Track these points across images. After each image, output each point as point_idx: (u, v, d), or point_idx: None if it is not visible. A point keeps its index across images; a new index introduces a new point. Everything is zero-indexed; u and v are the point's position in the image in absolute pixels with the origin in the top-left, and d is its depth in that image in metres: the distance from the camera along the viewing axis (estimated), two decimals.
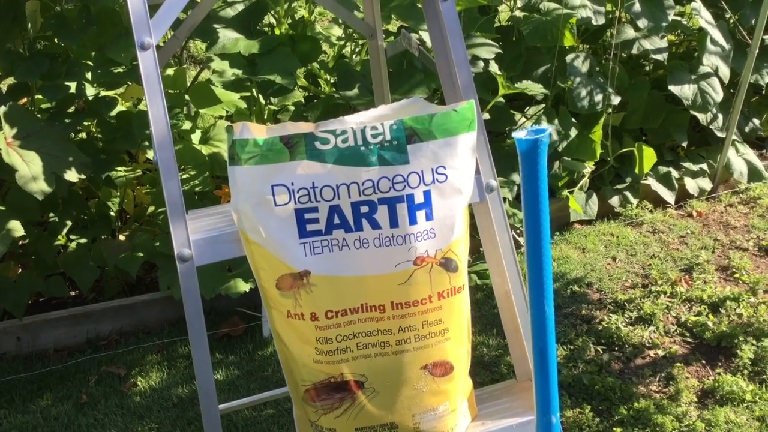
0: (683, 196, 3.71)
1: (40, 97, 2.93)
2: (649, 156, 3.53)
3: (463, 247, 1.08)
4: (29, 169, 2.41)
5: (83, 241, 3.04)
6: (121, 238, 3.13)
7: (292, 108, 3.28)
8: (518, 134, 0.86)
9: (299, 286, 1.02)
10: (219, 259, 1.08)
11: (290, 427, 2.48)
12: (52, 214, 2.96)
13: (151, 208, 3.21)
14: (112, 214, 3.16)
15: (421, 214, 1.02)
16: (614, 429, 2.37)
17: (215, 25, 2.74)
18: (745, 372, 2.59)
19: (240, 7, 2.80)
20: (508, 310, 1.17)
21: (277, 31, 2.99)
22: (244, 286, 2.79)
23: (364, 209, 1.00)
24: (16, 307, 2.78)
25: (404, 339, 1.04)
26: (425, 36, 2.63)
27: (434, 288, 1.05)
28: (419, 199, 1.02)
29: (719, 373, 2.60)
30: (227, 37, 2.69)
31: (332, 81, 3.24)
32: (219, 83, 2.74)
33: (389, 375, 1.05)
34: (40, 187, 2.40)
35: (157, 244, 2.96)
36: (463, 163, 1.05)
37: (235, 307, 3.00)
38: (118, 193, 3.16)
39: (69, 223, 2.96)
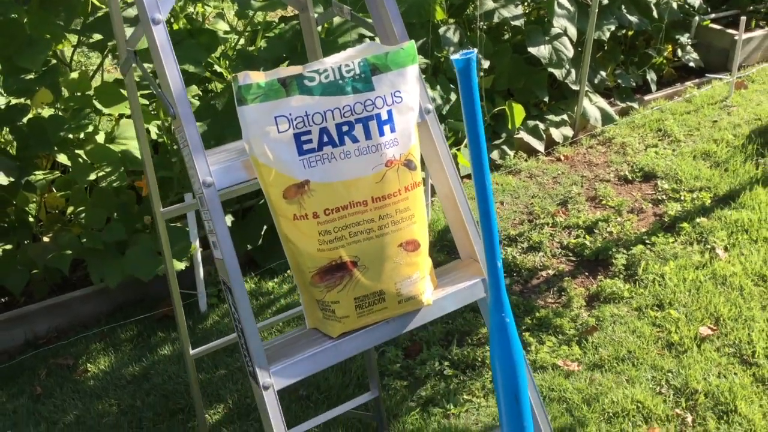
0: (551, 143, 4.23)
1: None
2: (518, 112, 4.01)
3: (417, 152, 1.42)
4: None
5: (8, 247, 3.11)
6: (46, 239, 3.22)
7: (195, 102, 3.47)
8: (454, 56, 1.21)
9: (302, 192, 1.32)
10: (235, 182, 1.36)
11: (244, 382, 2.71)
12: None
13: (70, 209, 3.31)
14: (31, 219, 3.24)
15: (387, 128, 1.36)
16: (524, 334, 2.79)
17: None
18: (621, 276, 3.09)
19: None
20: (452, 205, 1.50)
21: (175, 26, 3.18)
22: (179, 265, 2.98)
23: (345, 128, 1.33)
24: None
25: (383, 225, 1.37)
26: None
27: (402, 183, 1.38)
28: (384, 116, 1.35)
29: (601, 280, 3.09)
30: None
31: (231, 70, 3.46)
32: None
33: (375, 254, 1.38)
34: None
35: (84, 240, 3.08)
36: (412, 88, 1.40)
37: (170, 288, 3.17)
38: (35, 199, 3.24)
39: None
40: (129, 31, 1.62)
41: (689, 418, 2.37)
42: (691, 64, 5.03)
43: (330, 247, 1.35)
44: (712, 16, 5.31)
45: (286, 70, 1.31)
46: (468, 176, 3.98)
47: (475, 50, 1.24)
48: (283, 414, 2.53)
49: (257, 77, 1.29)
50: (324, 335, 1.44)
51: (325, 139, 1.32)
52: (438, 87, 3.65)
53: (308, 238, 1.35)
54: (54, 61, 3.06)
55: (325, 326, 1.44)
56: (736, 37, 4.72)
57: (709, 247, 3.20)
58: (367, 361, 2.37)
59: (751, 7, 5.55)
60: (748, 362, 2.57)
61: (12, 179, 2.70)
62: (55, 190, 3.34)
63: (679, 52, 5.06)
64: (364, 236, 1.37)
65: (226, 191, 1.85)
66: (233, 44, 3.49)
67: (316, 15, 1.68)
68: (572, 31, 4.07)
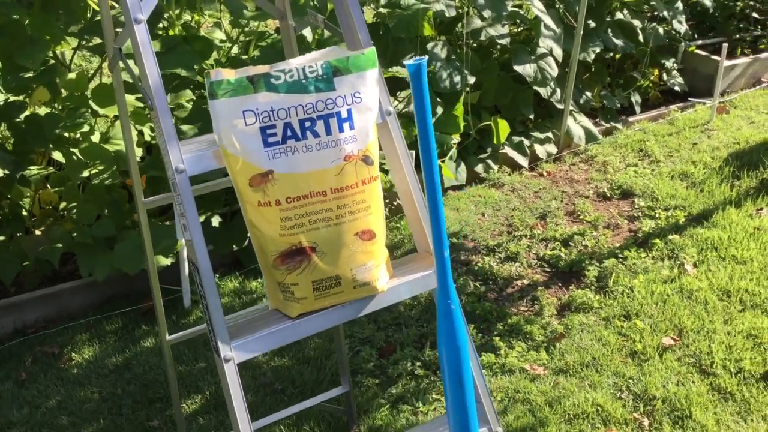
0: (534, 159, 4.35)
1: None
2: (503, 128, 4.14)
3: (375, 149, 1.54)
4: None
5: (1, 238, 3.22)
6: (38, 233, 3.33)
7: (189, 105, 3.59)
8: (407, 61, 1.33)
9: (266, 181, 1.44)
10: (205, 170, 1.47)
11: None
12: None
13: (62, 204, 3.42)
14: (25, 213, 3.36)
15: (346, 125, 1.48)
16: (494, 339, 2.89)
17: (117, 30, 3.03)
18: (592, 287, 3.20)
19: None
20: (409, 201, 1.62)
21: (171, 33, 3.31)
22: (165, 261, 3.09)
23: (308, 124, 1.45)
24: None
25: (341, 214, 1.50)
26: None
27: (359, 177, 1.50)
28: (344, 114, 1.48)
29: (572, 290, 3.19)
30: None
31: None
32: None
33: (333, 241, 1.50)
34: None
35: (75, 234, 3.20)
36: (371, 90, 1.53)
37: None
38: (29, 193, 3.35)
39: None
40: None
41: (646, 422, 2.47)
42: (676, 88, 5.17)
43: (291, 233, 1.47)
44: (698, 42, 5.46)
45: (254, 69, 1.43)
46: (453, 188, 4.10)
47: (426, 57, 1.36)
48: (258, 407, 2.63)
49: (228, 74, 1.41)
50: (284, 315, 1.55)
51: (289, 133, 1.44)
52: None
53: (271, 224, 1.47)
54: (53, 61, 3.19)
55: (285, 307, 1.55)
56: None
57: (678, 262, 3.30)
58: (339, 357, 2.47)
59: (737, 35, 5.70)
60: (707, 372, 2.67)
61: (7, 172, 2.81)
62: (49, 186, 3.45)
63: (665, 77, 5.20)
64: (323, 224, 1.48)
65: (211, 184, 1.97)
66: (227, 52, 3.61)
67: (293, 23, 1.80)
68: (558, 52, 4.20)
